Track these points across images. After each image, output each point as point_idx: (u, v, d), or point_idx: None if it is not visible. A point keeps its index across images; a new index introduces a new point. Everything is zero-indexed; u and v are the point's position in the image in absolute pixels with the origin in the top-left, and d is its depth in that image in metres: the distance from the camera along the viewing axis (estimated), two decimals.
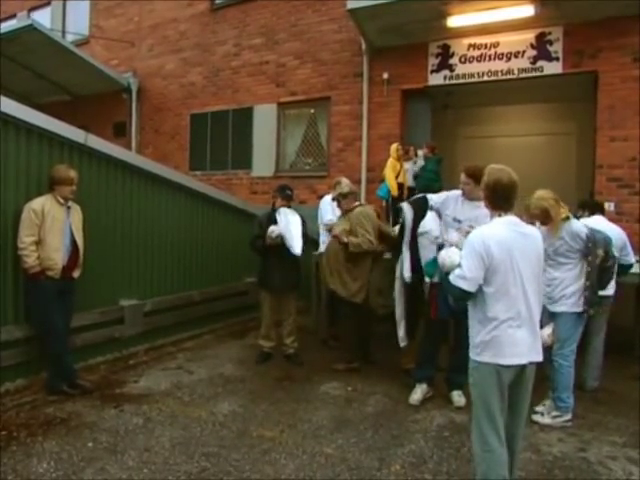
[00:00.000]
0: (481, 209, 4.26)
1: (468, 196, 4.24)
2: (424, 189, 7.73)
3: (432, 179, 7.74)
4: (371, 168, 8.49)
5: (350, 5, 7.42)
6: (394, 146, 7.82)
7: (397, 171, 7.86)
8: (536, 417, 4.01)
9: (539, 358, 2.54)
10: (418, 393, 4.36)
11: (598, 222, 4.65)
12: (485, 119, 9.63)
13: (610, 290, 4.39)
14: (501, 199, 2.55)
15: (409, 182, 7.93)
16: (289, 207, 5.30)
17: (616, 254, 4.20)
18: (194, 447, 3.50)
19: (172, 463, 3.29)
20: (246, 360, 5.42)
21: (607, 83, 6.96)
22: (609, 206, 6.87)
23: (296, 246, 4.96)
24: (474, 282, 2.49)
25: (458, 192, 4.37)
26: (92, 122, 10.98)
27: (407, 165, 7.92)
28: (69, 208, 4.23)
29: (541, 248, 2.63)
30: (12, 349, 4.15)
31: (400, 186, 7.84)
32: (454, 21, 7.33)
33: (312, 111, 9.22)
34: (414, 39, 7.84)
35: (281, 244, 5.00)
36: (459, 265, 2.57)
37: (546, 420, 3.98)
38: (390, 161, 7.81)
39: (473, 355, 2.58)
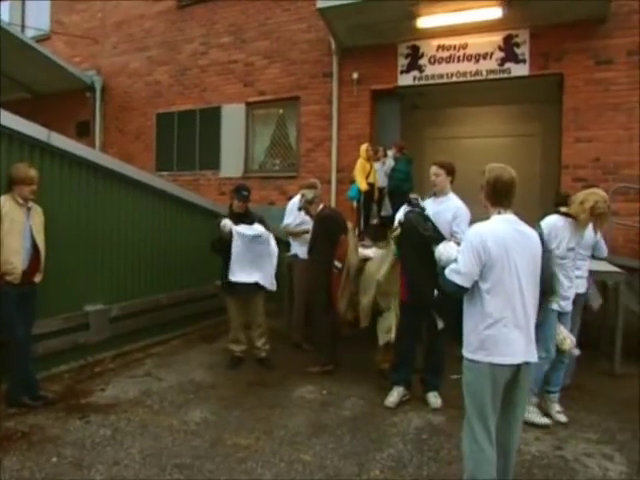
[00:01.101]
0: (445, 203, 4.30)
1: (438, 189, 4.28)
2: (395, 189, 7.76)
3: (402, 179, 7.75)
4: (341, 169, 8.45)
5: (320, 4, 7.37)
6: (364, 146, 7.80)
7: (367, 171, 7.84)
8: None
9: (534, 358, 2.52)
10: (395, 396, 4.31)
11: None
12: (452, 120, 9.73)
13: (582, 288, 4.45)
14: (501, 196, 2.57)
15: (379, 182, 7.92)
16: (246, 210, 5.17)
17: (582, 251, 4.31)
18: (166, 458, 3.35)
19: (143, 477, 3.14)
20: (217, 365, 5.28)
21: (572, 85, 7.11)
22: None
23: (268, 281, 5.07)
24: (469, 277, 2.48)
25: (427, 198, 4.44)
26: (54, 121, 10.54)
27: (377, 165, 7.91)
28: (29, 209, 4.01)
29: (539, 249, 2.63)
30: None
31: (371, 186, 7.83)
32: (423, 22, 7.37)
33: (281, 111, 9.13)
34: (384, 39, 7.84)
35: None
36: (455, 260, 2.58)
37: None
38: (360, 161, 7.78)
39: (466, 353, 2.54)
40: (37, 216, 4.10)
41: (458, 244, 3.03)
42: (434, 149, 10.06)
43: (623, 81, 6.85)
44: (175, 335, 6.11)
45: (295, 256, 5.86)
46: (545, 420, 3.96)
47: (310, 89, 8.63)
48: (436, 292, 3.87)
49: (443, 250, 2.77)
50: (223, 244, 4.94)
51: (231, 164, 9.27)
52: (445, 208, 4.25)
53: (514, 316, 2.44)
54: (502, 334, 2.42)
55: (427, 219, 4.01)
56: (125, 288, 5.45)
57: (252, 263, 4.96)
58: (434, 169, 4.27)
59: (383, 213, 8.23)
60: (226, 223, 4.91)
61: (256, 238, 5.00)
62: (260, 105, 9.13)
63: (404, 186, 7.79)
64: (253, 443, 3.60)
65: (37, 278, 4.09)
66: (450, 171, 4.28)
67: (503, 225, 2.51)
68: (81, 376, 4.76)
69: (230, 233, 4.89)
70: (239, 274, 4.92)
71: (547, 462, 3.40)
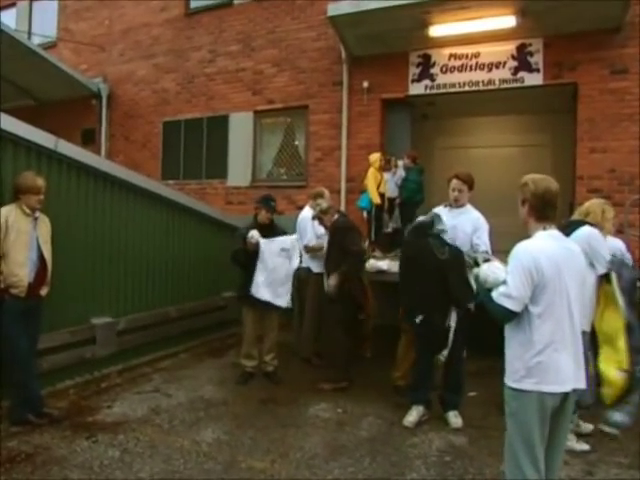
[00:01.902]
0: (463, 215, 4.19)
1: (457, 203, 4.16)
2: (407, 200, 7.64)
3: (415, 190, 7.63)
4: (351, 178, 8.32)
5: (330, 12, 7.27)
6: (375, 156, 7.69)
7: (378, 181, 7.72)
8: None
9: (582, 385, 2.35)
10: (414, 415, 4.14)
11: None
12: (462, 130, 9.66)
13: None
14: (550, 209, 2.39)
15: (389, 192, 7.78)
16: (272, 222, 5.04)
17: None
18: None
19: None
20: (227, 380, 5.12)
21: (586, 95, 6.99)
22: None
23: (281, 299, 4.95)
24: (521, 301, 2.27)
25: (442, 205, 4.30)
26: (59, 129, 10.40)
27: (387, 175, 7.78)
28: (36, 219, 3.87)
29: (584, 265, 2.50)
30: None
31: (381, 196, 7.70)
32: (435, 31, 7.26)
33: (290, 120, 9.01)
34: (395, 48, 7.74)
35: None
36: (504, 282, 2.33)
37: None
38: (371, 171, 7.66)
39: (511, 382, 2.35)
40: (44, 226, 3.97)
41: (485, 260, 2.89)
42: (441, 159, 9.98)
43: (638, 91, 6.74)
44: (182, 349, 5.95)
45: (308, 270, 5.67)
46: (584, 446, 3.77)
47: (319, 98, 8.51)
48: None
49: (488, 271, 2.44)
50: (247, 256, 4.79)
51: (238, 173, 9.14)
52: (464, 220, 4.13)
53: (563, 340, 2.27)
54: (552, 360, 2.24)
55: (445, 243, 3.94)
56: (133, 300, 5.31)
57: (275, 279, 4.85)
58: (457, 184, 4.11)
59: (392, 225, 8.10)
60: (253, 235, 4.76)
61: (283, 252, 4.88)
62: (268, 114, 9.02)
63: (416, 197, 7.67)
64: (269, 466, 3.43)
65: (43, 291, 3.94)
66: (472, 186, 4.15)
67: (552, 243, 2.34)
68: (87, 392, 4.60)
69: (257, 245, 4.75)
70: (263, 290, 4.79)
71: None
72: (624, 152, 6.76)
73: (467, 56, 7.53)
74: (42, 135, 4.21)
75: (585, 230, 3.59)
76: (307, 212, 5.78)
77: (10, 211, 3.72)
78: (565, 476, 3.37)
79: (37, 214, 3.89)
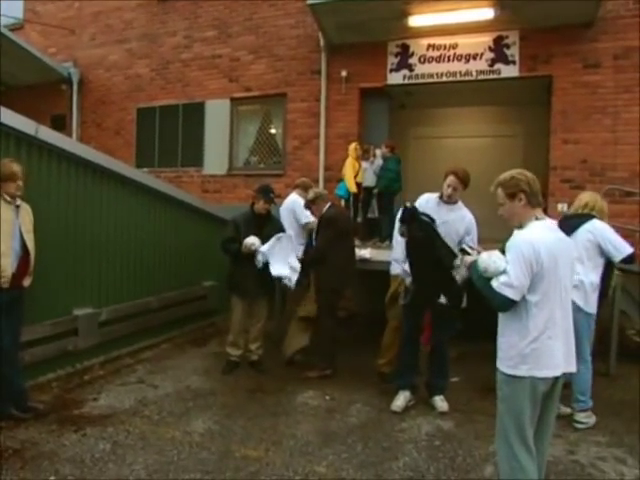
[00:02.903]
0: (455, 212, 4.23)
1: (450, 199, 4.17)
2: (385, 189, 7.70)
3: (393, 179, 7.68)
4: (329, 167, 8.33)
5: (310, 0, 7.21)
6: (353, 145, 7.73)
7: (356, 170, 7.76)
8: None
9: (573, 369, 2.45)
10: (401, 400, 4.22)
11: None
12: (437, 120, 9.77)
13: None
14: (538, 196, 2.50)
15: (367, 182, 7.83)
16: (269, 212, 5.01)
17: None
18: (174, 474, 3.17)
19: None
20: (212, 370, 5.10)
21: (560, 88, 7.17)
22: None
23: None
24: (521, 290, 2.34)
25: (435, 195, 4.30)
26: (28, 115, 9.87)
27: (365, 164, 7.83)
28: (18, 207, 3.74)
29: (574, 254, 2.58)
30: None
31: (358, 186, 7.75)
32: (414, 21, 7.31)
33: (267, 108, 8.93)
34: (374, 37, 7.75)
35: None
36: (504, 271, 2.38)
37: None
38: (349, 160, 7.71)
39: (504, 367, 2.44)
40: (26, 215, 3.84)
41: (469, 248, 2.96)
42: (415, 148, 10.09)
43: (609, 85, 6.95)
44: (164, 339, 5.88)
45: None
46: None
47: (297, 86, 8.47)
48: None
49: (489, 260, 2.44)
50: (239, 251, 4.75)
51: (215, 161, 9.03)
52: (456, 218, 4.16)
53: (556, 327, 2.36)
54: (546, 346, 2.33)
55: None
56: (115, 291, 5.19)
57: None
58: (453, 181, 4.07)
59: (369, 215, 8.17)
60: (254, 242, 4.72)
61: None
62: (245, 101, 8.92)
63: (394, 186, 7.73)
64: (263, 455, 3.45)
65: (26, 282, 3.82)
66: (467, 185, 4.17)
67: (549, 234, 2.42)
68: (70, 384, 4.50)
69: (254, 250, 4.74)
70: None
71: (563, 468, 3.37)
72: (596, 144, 6.97)
73: (445, 47, 7.61)
74: (22, 120, 4.07)
75: (598, 223, 3.92)
76: (296, 197, 5.72)
77: None
78: (549, 456, 3.50)
79: (18, 202, 3.76)
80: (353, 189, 7.74)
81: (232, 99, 8.92)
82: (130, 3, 9.55)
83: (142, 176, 5.63)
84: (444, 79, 7.64)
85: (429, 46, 7.67)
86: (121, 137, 9.70)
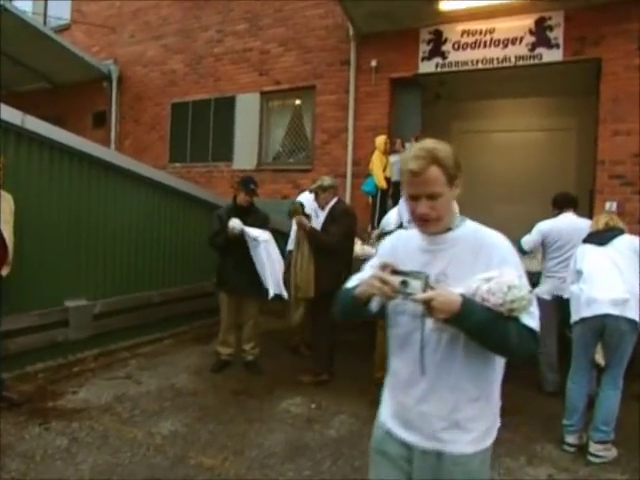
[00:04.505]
0: None
1: None
2: None
3: None
4: (357, 161, 7.98)
5: None
6: (381, 138, 7.35)
7: (384, 165, 7.38)
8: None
9: None
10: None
11: (561, 220, 4.66)
12: (481, 113, 9.14)
13: None
14: None
15: (395, 176, 7.41)
16: (251, 205, 4.81)
17: None
18: (118, 477, 3.02)
19: None
20: (204, 369, 4.94)
21: (610, 72, 6.42)
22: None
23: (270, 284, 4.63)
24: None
25: None
26: (71, 111, 10.56)
27: (392, 159, 7.41)
28: None
29: None
30: None
31: (387, 181, 7.36)
32: (447, 5, 6.83)
33: (297, 101, 8.71)
34: (404, 24, 7.31)
35: (243, 240, 4.55)
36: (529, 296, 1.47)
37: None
38: (377, 154, 7.34)
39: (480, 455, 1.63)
40: (5, 204, 3.82)
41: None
42: (459, 144, 9.47)
43: None
44: (167, 334, 5.81)
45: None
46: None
47: (326, 78, 8.18)
48: None
49: (516, 291, 1.43)
50: (227, 240, 4.58)
51: (244, 156, 8.92)
52: None
53: None
54: None
55: None
56: (113, 283, 5.17)
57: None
58: None
59: None
60: (235, 224, 4.54)
61: (254, 242, 4.63)
62: (275, 95, 8.74)
63: None
64: (219, 464, 3.23)
65: (4, 271, 3.81)
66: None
67: None
68: (57, 376, 4.49)
69: (240, 234, 4.54)
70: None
71: None
72: None
73: (481, 32, 7.04)
74: (8, 111, 4.06)
75: (632, 238, 3.65)
76: (307, 194, 5.48)
77: None
78: None
79: None
80: (382, 184, 7.36)
81: (262, 93, 8.77)
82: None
83: (141, 167, 5.55)
84: (480, 66, 7.07)
85: (463, 32, 7.13)
86: (156, 132, 9.83)
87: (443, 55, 7.28)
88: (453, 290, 1.44)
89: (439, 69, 7.34)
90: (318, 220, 4.72)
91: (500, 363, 1.59)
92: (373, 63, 7.69)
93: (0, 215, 3.76)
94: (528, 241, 4.77)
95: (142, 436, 3.54)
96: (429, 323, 1.49)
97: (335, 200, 4.78)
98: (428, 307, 1.39)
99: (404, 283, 1.40)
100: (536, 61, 6.78)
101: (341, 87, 8.04)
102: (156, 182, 5.62)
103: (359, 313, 1.63)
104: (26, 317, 4.30)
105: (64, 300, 4.67)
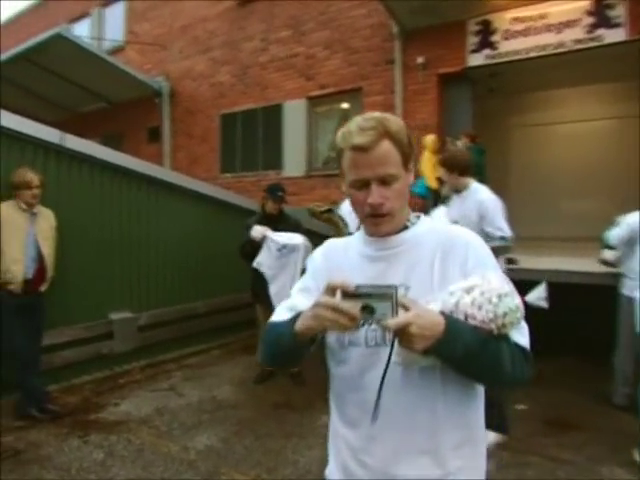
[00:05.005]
0: (467, 200, 3.66)
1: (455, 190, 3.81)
2: None
3: (475, 172, 6.85)
4: None
5: None
6: (430, 137, 7.04)
7: (434, 164, 7.07)
8: None
9: None
10: (490, 437, 3.47)
11: None
12: (539, 104, 8.65)
13: None
14: None
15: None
16: (280, 212, 4.68)
17: None
18: None
19: None
20: (248, 380, 4.86)
21: None
22: None
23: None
24: None
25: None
26: (128, 128, 10.98)
27: None
28: (34, 215, 3.85)
29: None
30: None
31: (438, 181, 7.04)
32: None
33: (344, 104, 8.56)
34: (450, 17, 6.99)
35: None
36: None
37: None
38: (426, 154, 7.03)
39: None
40: (44, 222, 3.93)
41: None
42: (519, 138, 9.02)
43: None
44: (216, 345, 5.79)
45: None
46: None
47: (372, 78, 7.98)
48: None
49: (507, 301, 1.11)
50: (254, 250, 4.52)
51: (294, 163, 8.87)
52: (469, 205, 3.54)
53: None
54: None
55: None
56: (157, 295, 5.22)
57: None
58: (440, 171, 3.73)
59: None
60: (258, 230, 4.47)
61: (284, 249, 4.51)
62: (322, 99, 8.63)
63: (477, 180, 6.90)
64: None
65: (42, 287, 3.91)
66: (456, 168, 3.60)
67: None
68: (102, 388, 4.56)
69: (262, 240, 4.47)
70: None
71: None
72: None
73: (532, 18, 6.60)
74: (48, 131, 4.19)
75: None
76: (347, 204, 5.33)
77: (6, 207, 3.72)
78: None
79: (36, 210, 3.86)
80: (434, 185, 7.05)
81: (308, 98, 8.70)
82: (213, 12, 9.80)
83: (184, 180, 5.61)
84: (532, 54, 6.63)
85: (513, 20, 6.72)
86: (207, 144, 9.99)
87: (492, 46, 6.90)
88: (428, 306, 1.08)
89: (489, 61, 6.96)
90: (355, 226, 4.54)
91: (481, 389, 1.24)
92: (419, 60, 7.41)
93: (37, 234, 3.87)
94: (617, 235, 4.22)
95: (177, 451, 3.49)
96: (396, 354, 1.07)
97: None
98: (403, 335, 1.00)
99: (367, 309, 0.99)
100: (596, 43, 6.26)
101: (387, 87, 7.82)
102: (199, 194, 5.66)
103: (299, 355, 1.20)
104: (71, 330, 4.41)
105: (109, 313, 4.75)
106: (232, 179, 9.48)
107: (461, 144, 7.11)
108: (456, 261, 1.18)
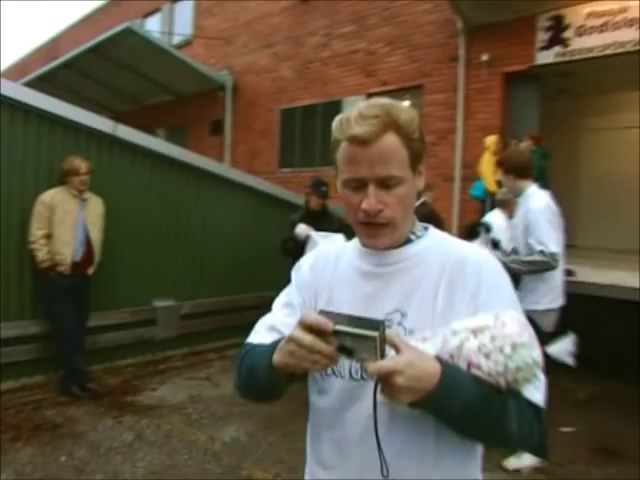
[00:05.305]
0: (520, 208, 3.34)
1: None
2: None
3: (536, 177, 6.49)
4: (467, 164, 7.43)
5: None
6: (492, 138, 6.73)
7: (494, 167, 6.77)
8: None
9: None
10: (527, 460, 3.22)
11: None
12: (617, 106, 8.05)
13: None
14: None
15: None
16: (324, 208, 4.59)
17: None
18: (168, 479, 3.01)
19: None
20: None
21: None
22: None
23: None
24: None
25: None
26: (192, 120, 11.31)
27: None
28: (84, 200, 4.01)
29: None
30: (28, 345, 4.05)
31: (498, 184, 6.73)
32: None
33: (404, 102, 8.36)
34: (519, 12, 6.65)
35: None
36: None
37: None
38: (486, 156, 6.73)
39: None
40: (93, 208, 4.09)
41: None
42: (592, 143, 8.45)
43: None
44: None
45: None
46: None
47: (434, 76, 7.75)
48: None
49: (525, 356, 0.87)
50: (296, 246, 4.48)
51: None
52: (518, 214, 3.29)
53: None
54: None
55: None
56: (201, 286, 5.31)
57: None
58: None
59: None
60: (302, 229, 4.43)
61: None
62: (381, 96, 8.40)
63: (537, 184, 6.54)
64: (270, 479, 3.08)
65: (90, 270, 4.07)
66: (512, 169, 3.31)
67: None
68: (143, 371, 4.70)
69: (306, 239, 4.42)
70: None
71: None
72: None
73: (611, 12, 6.14)
74: (101, 121, 4.35)
75: None
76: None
77: (57, 193, 3.90)
78: None
79: (85, 195, 4.02)
80: (493, 188, 6.73)
81: (368, 95, 8.54)
82: (277, 7, 9.87)
83: (231, 172, 5.67)
84: (608, 52, 6.18)
85: (589, 14, 6.28)
86: (266, 138, 10.10)
87: (564, 43, 6.49)
88: (423, 348, 0.89)
89: (559, 59, 6.56)
90: None
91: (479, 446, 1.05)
92: (484, 57, 7.11)
93: (86, 218, 4.03)
94: None
95: (203, 440, 3.52)
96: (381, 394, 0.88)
97: (419, 202, 4.45)
98: (386, 384, 0.83)
99: (346, 351, 0.84)
100: None
101: (450, 85, 7.56)
102: (249, 187, 5.70)
103: (277, 391, 1.04)
104: (116, 314, 4.57)
105: (153, 300, 4.88)
106: (290, 174, 9.52)
107: (524, 146, 6.77)
108: (466, 290, 0.97)
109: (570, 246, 4.54)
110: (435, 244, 1.04)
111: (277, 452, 3.42)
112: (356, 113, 0.97)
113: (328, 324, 0.83)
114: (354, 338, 0.82)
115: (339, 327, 0.82)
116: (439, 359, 0.87)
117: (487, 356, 0.86)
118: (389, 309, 0.99)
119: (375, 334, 0.80)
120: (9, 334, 3.91)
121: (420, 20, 7.87)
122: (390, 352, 0.84)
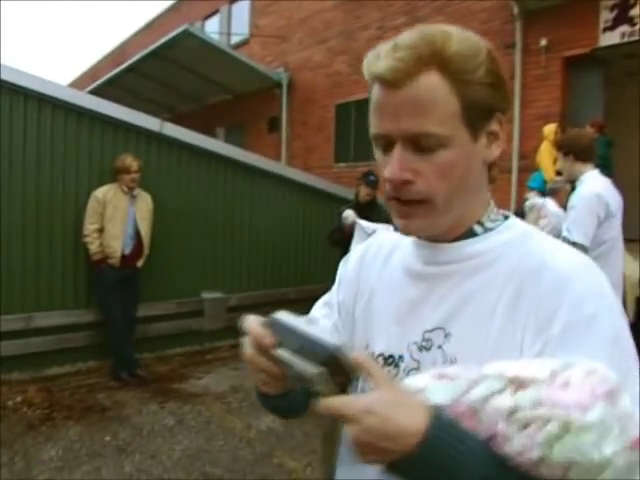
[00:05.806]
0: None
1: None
2: None
3: (600, 165, 6.11)
4: (524, 155, 7.13)
5: None
6: (550, 127, 6.40)
7: (554, 157, 6.43)
8: None
9: None
10: None
11: None
12: None
13: None
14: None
15: None
16: (374, 199, 4.57)
17: None
18: (200, 463, 3.13)
19: (166, 478, 2.97)
20: None
21: None
22: None
23: None
24: None
25: None
26: (250, 118, 11.57)
27: None
28: (134, 197, 4.23)
29: None
30: (83, 332, 4.33)
31: (557, 175, 6.41)
32: None
33: None
34: None
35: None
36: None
37: None
38: (545, 144, 6.43)
39: None
40: (143, 204, 4.30)
41: None
42: None
43: None
44: None
45: None
46: None
47: None
48: None
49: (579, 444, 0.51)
50: (343, 236, 4.51)
51: None
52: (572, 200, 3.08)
53: None
54: None
55: None
56: (249, 278, 5.45)
57: None
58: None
59: None
60: (349, 215, 4.45)
61: (374, 234, 4.42)
62: None
63: (601, 173, 6.16)
64: (300, 468, 3.14)
65: (139, 263, 4.29)
66: (565, 146, 3.06)
67: None
68: (190, 361, 4.90)
69: (352, 226, 4.43)
70: None
71: None
72: None
73: None
74: (148, 119, 4.56)
75: None
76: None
77: (109, 189, 4.14)
78: None
79: (136, 192, 4.24)
80: (551, 176, 6.46)
81: None
82: (329, 3, 9.88)
83: (278, 167, 5.77)
84: None
85: None
86: (322, 133, 10.16)
87: (632, 21, 6.05)
88: (425, 388, 0.59)
89: (626, 39, 6.13)
90: None
91: None
92: (543, 42, 6.77)
93: (137, 214, 4.24)
94: None
95: (240, 428, 3.63)
96: None
97: None
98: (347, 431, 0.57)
99: (292, 374, 0.64)
100: None
101: (506, 73, 7.07)
102: (295, 181, 5.78)
103: (285, 409, 0.91)
104: (165, 305, 4.78)
105: (201, 292, 5.06)
106: (346, 168, 9.53)
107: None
108: (536, 313, 0.65)
109: (630, 240, 4.23)
110: (511, 241, 0.73)
111: (310, 442, 3.45)
112: (391, 43, 0.72)
113: (266, 342, 0.65)
114: (304, 360, 0.61)
115: (279, 351, 0.64)
116: (437, 411, 0.56)
117: (521, 427, 0.53)
118: (430, 325, 0.72)
119: (315, 371, 0.59)
120: (67, 321, 4.21)
121: (473, 7, 7.62)
122: (362, 388, 0.65)
